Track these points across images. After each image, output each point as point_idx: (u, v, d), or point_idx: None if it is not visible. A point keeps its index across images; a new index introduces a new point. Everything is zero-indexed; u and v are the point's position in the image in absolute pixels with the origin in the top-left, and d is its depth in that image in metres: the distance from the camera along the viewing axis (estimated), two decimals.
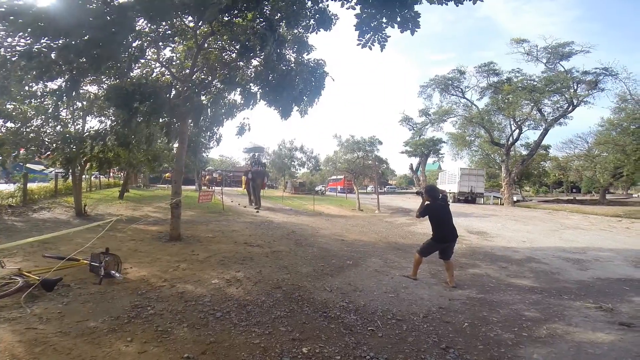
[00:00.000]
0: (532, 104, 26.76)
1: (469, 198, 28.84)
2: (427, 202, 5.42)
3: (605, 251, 8.27)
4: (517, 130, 29.31)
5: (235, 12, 6.42)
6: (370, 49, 4.73)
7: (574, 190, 53.23)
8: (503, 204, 27.59)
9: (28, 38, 5.19)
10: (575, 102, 25.30)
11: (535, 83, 26.24)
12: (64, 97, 6.36)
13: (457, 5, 4.46)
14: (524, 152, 32.57)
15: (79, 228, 5.28)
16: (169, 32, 7.10)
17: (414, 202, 29.29)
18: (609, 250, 8.43)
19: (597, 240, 9.98)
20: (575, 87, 25.48)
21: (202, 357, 2.81)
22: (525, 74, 27.34)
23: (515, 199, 29.15)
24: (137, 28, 6.06)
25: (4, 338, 2.89)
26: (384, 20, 4.56)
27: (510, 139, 30.20)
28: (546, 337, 3.43)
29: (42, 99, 8.97)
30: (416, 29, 4.48)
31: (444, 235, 5.32)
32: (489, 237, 10.17)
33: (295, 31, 8.06)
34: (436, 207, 5.37)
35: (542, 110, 27.20)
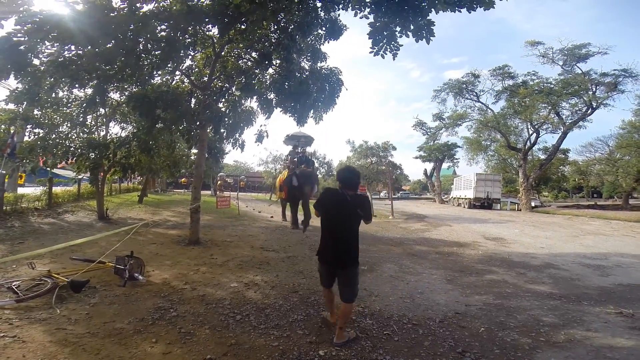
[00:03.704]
0: (549, 107, 26.25)
1: (485, 204, 28.46)
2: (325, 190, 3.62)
3: (628, 257, 8.06)
4: (535, 134, 28.76)
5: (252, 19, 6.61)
6: (383, 57, 4.78)
7: (595, 195, 51.86)
8: (520, 210, 27.07)
9: (56, 45, 5.47)
10: (594, 104, 24.73)
11: (552, 86, 25.78)
12: (93, 104, 6.66)
13: (470, 12, 4.50)
14: (542, 157, 31.89)
15: (107, 233, 5.49)
16: (189, 40, 7.33)
17: (428, 208, 29.03)
18: (632, 256, 8.21)
19: (620, 246, 9.72)
20: (594, 89, 24.94)
21: (224, 358, 2.90)
22: (542, 76, 27.03)
23: (533, 204, 28.53)
24: (159, 36, 6.28)
25: (35, 338, 3.03)
26: (398, 29, 4.62)
27: (528, 143, 29.63)
28: (564, 342, 3.40)
29: (69, 106, 9.38)
30: (431, 38, 4.51)
31: (322, 250, 3.40)
32: (507, 243, 10.02)
33: (308, 40, 8.24)
34: (329, 199, 3.41)
35: (560, 113, 26.67)
